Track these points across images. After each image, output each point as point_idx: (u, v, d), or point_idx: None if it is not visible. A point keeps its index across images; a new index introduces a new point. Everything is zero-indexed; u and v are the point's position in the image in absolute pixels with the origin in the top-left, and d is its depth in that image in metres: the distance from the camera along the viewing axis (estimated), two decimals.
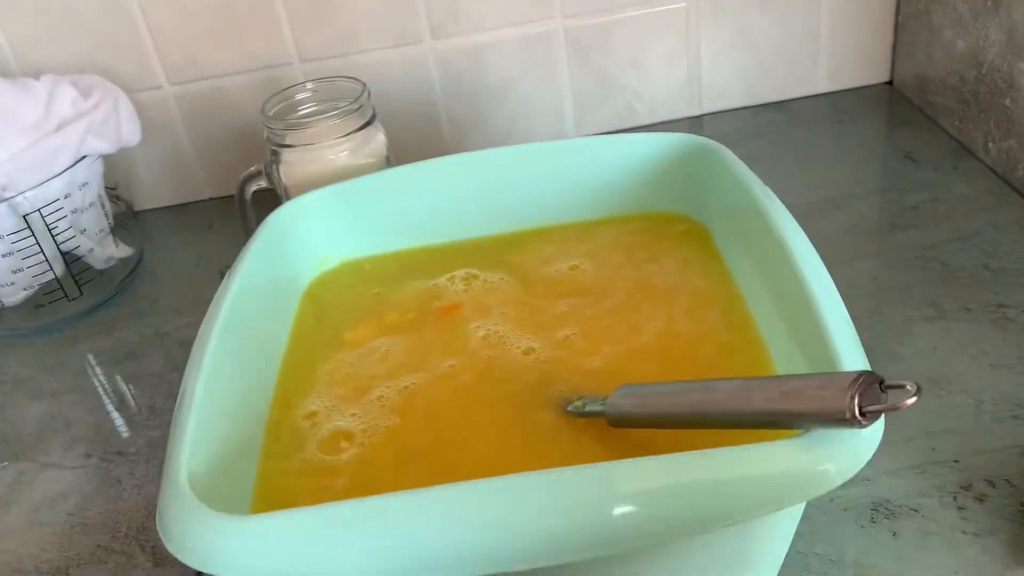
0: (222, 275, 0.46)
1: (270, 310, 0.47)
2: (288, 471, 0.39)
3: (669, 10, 0.70)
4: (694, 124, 0.74)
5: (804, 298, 0.36)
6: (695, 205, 0.50)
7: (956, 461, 0.42)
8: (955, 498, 0.40)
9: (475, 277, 0.49)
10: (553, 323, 0.45)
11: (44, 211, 0.58)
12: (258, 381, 0.43)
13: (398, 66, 0.70)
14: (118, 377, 0.58)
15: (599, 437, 0.38)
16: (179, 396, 0.38)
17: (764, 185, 0.44)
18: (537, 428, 0.39)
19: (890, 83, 0.74)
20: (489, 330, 0.45)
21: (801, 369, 0.37)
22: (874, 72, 0.74)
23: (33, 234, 0.58)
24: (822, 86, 0.74)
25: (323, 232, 0.52)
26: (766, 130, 0.72)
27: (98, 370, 0.59)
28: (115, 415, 0.55)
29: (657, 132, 0.51)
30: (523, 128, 0.73)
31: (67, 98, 0.59)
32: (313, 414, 0.42)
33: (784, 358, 0.39)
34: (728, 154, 0.47)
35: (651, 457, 0.30)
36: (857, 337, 0.34)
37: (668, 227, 0.51)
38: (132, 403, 0.55)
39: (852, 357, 0.33)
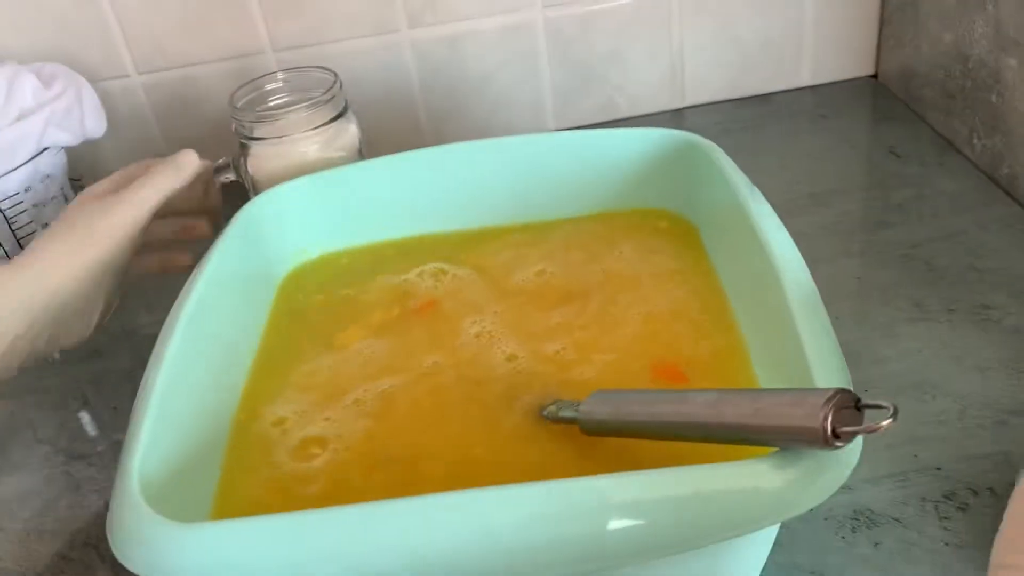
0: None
1: (240, 308, 0.46)
2: (254, 480, 0.38)
3: (651, 1, 0.68)
4: (676, 117, 0.73)
5: (784, 310, 0.35)
6: (683, 202, 0.49)
7: (939, 468, 0.41)
8: (937, 508, 0.39)
9: (444, 272, 0.48)
10: (539, 328, 0.43)
11: (3, 204, 0.56)
12: (224, 384, 0.42)
13: (374, 56, 0.68)
14: (83, 376, 0.56)
15: (573, 447, 0.37)
16: (137, 396, 0.37)
17: (751, 184, 0.43)
18: (514, 436, 0.38)
19: (875, 76, 0.73)
20: (478, 330, 0.44)
21: (780, 381, 0.36)
22: (859, 65, 0.73)
23: None
24: (806, 79, 0.73)
25: (299, 225, 0.51)
26: (749, 124, 0.70)
27: (62, 368, 0.57)
28: (79, 416, 0.53)
29: (643, 127, 0.50)
30: (502, 120, 0.72)
31: (28, 87, 0.57)
32: (282, 420, 0.40)
33: (765, 367, 0.38)
34: (717, 151, 0.46)
35: (619, 474, 0.29)
36: (838, 349, 0.33)
37: (653, 224, 0.50)
38: (97, 404, 0.54)
39: (829, 374, 0.32)
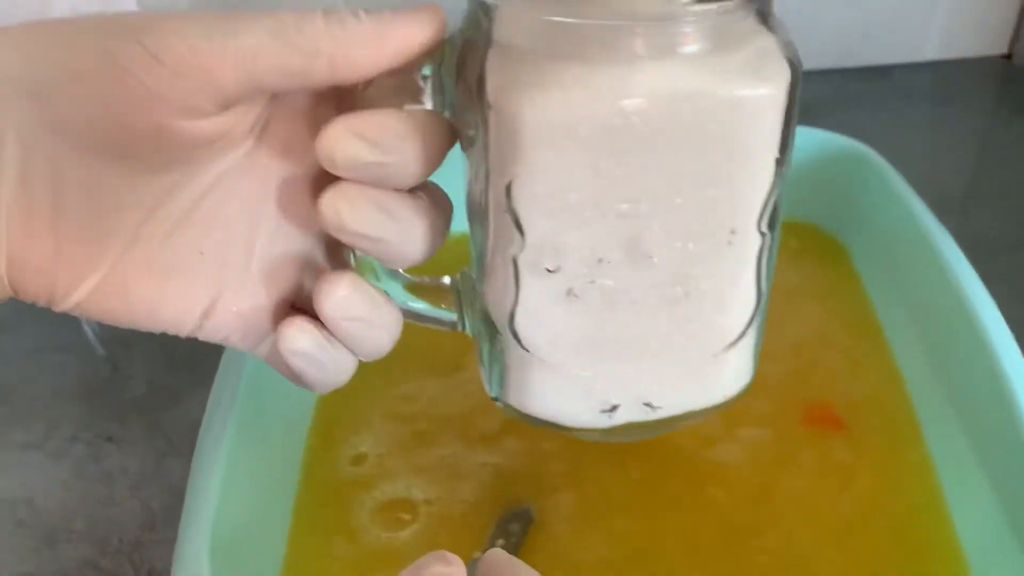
0: None
1: None
2: (327, 550, 0.32)
3: None
4: None
5: (984, 354, 0.30)
6: (832, 216, 0.43)
7: None
8: None
9: None
10: None
11: None
12: (295, 420, 0.36)
13: None
14: (114, 340, 0.50)
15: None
16: (203, 427, 0.31)
17: (926, 207, 0.37)
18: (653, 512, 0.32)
19: (1008, 56, 0.65)
20: None
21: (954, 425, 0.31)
22: (991, 42, 0.65)
23: None
24: (930, 53, 0.65)
25: None
26: (861, 99, 0.63)
27: (93, 327, 0.51)
28: (108, 387, 0.47)
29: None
30: None
31: (66, 4, 0.49)
32: (362, 458, 0.34)
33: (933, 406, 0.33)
34: (880, 162, 0.39)
35: None
36: None
37: (795, 239, 0.43)
38: (129, 375, 0.48)
39: None
